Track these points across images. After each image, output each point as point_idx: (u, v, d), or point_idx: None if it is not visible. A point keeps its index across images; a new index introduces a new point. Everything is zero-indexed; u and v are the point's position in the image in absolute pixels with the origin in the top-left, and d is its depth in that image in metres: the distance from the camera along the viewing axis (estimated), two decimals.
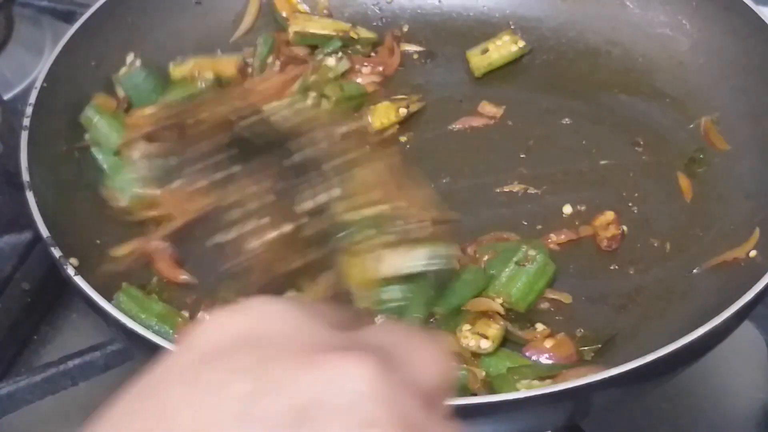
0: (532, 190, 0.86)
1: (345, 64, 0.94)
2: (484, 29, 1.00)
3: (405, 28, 1.00)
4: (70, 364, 0.76)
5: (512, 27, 0.99)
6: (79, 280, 0.69)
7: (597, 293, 0.78)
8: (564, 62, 0.97)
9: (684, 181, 0.85)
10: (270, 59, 0.94)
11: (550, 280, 0.78)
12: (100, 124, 0.85)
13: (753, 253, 0.75)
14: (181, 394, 0.34)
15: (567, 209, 0.84)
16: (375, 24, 1.01)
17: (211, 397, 0.33)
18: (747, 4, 0.88)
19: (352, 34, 0.95)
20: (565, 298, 0.77)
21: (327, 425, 0.32)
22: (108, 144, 0.84)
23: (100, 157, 0.85)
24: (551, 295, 0.78)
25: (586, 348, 0.74)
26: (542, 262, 0.77)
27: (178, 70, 0.91)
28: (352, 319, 0.40)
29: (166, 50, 0.95)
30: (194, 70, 0.90)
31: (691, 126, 0.89)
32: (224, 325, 0.36)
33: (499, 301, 0.76)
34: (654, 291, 0.78)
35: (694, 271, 0.78)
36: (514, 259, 0.77)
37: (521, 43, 0.96)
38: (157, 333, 0.68)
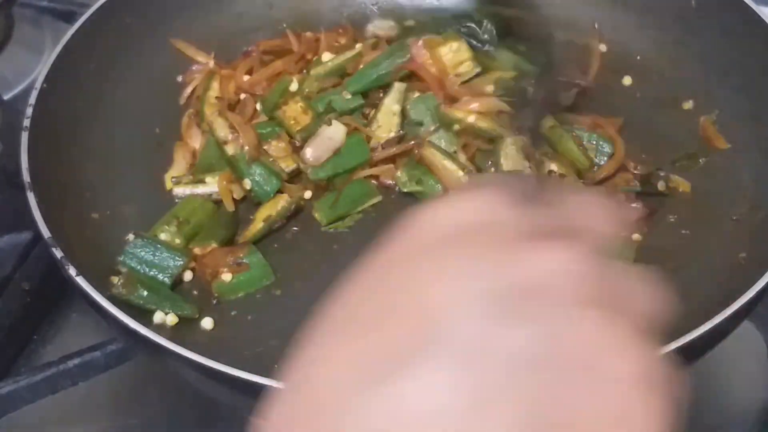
0: None
1: None
2: None
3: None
4: (70, 364, 0.76)
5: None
6: (80, 281, 0.69)
7: None
8: (563, 61, 0.97)
9: (683, 181, 0.85)
10: None
11: None
12: None
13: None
14: (430, 269, 0.36)
15: None
16: (375, 24, 1.01)
17: (459, 273, 0.36)
18: (747, 4, 0.88)
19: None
20: None
21: (543, 301, 0.35)
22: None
23: None
24: None
25: None
26: None
27: None
28: (542, 188, 0.42)
29: (167, 50, 0.95)
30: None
31: (691, 125, 0.89)
32: (434, 219, 0.39)
33: None
34: None
35: (694, 270, 0.78)
36: None
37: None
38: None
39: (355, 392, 0.34)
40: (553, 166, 0.84)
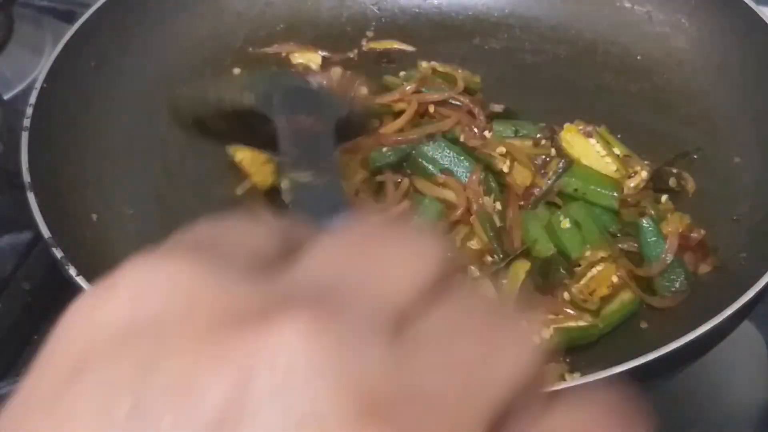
0: None
1: None
2: (483, 28, 1.00)
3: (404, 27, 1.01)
4: None
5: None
6: (80, 281, 0.69)
7: None
8: (562, 61, 0.97)
9: (690, 178, 0.85)
10: None
11: None
12: None
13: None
14: (43, 427, 0.24)
15: None
16: (374, 24, 1.02)
17: (82, 426, 0.23)
18: (746, 3, 0.88)
19: None
20: None
21: None
22: None
23: None
24: None
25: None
26: None
27: None
28: (296, 230, 0.29)
29: (167, 51, 0.95)
30: None
31: (691, 125, 0.89)
32: (91, 320, 0.26)
33: None
34: None
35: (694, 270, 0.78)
36: None
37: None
38: None
39: None
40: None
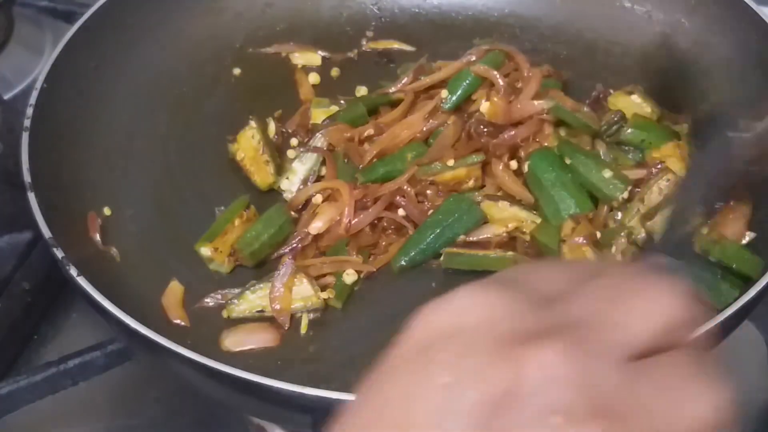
0: None
1: None
2: (483, 28, 1.00)
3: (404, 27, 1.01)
4: (70, 364, 0.76)
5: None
6: (81, 281, 0.69)
7: None
8: (563, 61, 0.97)
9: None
10: None
11: None
12: None
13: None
14: (416, 381, 0.37)
15: None
16: (374, 24, 1.02)
17: (442, 387, 0.36)
18: (746, 3, 0.88)
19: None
20: None
21: (518, 415, 0.35)
22: None
23: None
24: None
25: None
26: None
27: None
28: (575, 275, 0.41)
29: (167, 51, 0.95)
30: None
31: (690, 124, 0.89)
32: (430, 321, 0.39)
33: None
34: None
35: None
36: None
37: None
38: None
39: None
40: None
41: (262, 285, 0.78)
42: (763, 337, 0.84)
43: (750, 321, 0.78)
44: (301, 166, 0.87)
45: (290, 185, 0.86)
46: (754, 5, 0.88)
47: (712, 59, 0.91)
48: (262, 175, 0.87)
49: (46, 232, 0.72)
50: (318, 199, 0.84)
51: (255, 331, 0.76)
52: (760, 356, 0.84)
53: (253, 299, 0.77)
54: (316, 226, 0.81)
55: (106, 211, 0.82)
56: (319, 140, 0.87)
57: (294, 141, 0.90)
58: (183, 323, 0.77)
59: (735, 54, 0.89)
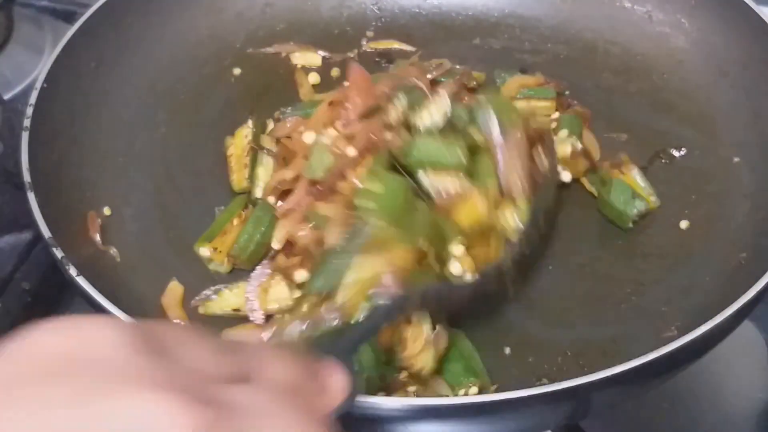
0: None
1: None
2: (483, 28, 1.00)
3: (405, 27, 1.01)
4: None
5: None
6: (80, 281, 0.69)
7: (597, 292, 0.79)
8: (563, 61, 0.97)
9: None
10: None
11: None
12: None
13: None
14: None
15: None
16: (374, 24, 1.02)
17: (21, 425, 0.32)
18: (746, 3, 0.88)
19: None
20: None
21: None
22: None
23: None
24: None
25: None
26: None
27: None
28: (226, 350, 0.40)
29: (167, 51, 0.95)
30: None
31: (690, 124, 0.89)
32: (45, 343, 0.35)
33: None
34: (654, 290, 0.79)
35: (694, 270, 0.78)
36: None
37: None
38: None
39: None
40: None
41: (240, 284, 0.77)
42: (763, 337, 0.84)
43: (750, 321, 0.78)
44: (263, 172, 0.86)
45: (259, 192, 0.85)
46: (754, 5, 0.88)
47: (712, 59, 0.91)
48: (238, 176, 0.86)
49: (46, 232, 0.72)
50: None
51: (255, 331, 0.76)
52: (760, 356, 0.84)
53: (229, 297, 0.77)
54: (278, 239, 0.78)
55: (106, 211, 0.82)
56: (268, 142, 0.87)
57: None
58: (183, 323, 0.77)
59: (735, 54, 0.89)
